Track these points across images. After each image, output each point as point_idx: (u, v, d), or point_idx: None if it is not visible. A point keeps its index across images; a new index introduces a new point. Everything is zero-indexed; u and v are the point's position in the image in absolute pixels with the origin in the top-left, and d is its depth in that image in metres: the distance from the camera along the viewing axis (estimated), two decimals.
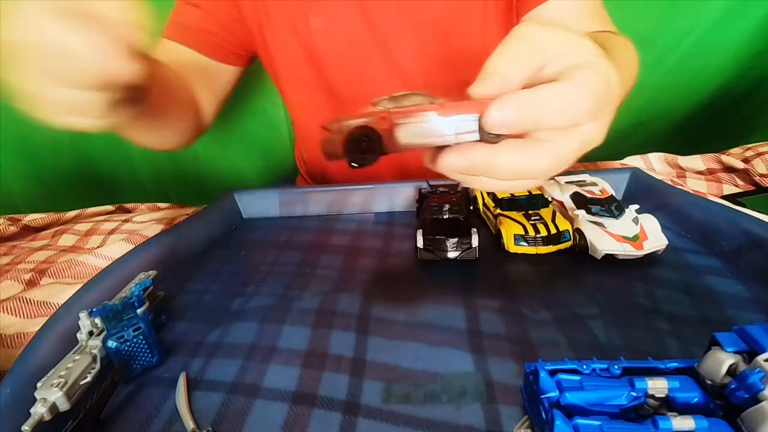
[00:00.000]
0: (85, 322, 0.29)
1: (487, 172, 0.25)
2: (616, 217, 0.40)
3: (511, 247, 0.41)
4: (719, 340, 0.21)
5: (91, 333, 0.29)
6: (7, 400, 0.26)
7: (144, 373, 0.30)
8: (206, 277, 0.43)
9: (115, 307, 0.30)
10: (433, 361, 0.29)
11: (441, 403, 0.26)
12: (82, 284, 0.36)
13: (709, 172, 0.55)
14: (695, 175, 0.55)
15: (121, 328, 0.29)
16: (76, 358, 0.28)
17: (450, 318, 0.33)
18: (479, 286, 0.37)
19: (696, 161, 0.56)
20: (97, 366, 0.28)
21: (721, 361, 0.20)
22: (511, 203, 0.45)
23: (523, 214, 0.43)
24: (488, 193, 0.48)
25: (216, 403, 0.27)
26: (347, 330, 0.33)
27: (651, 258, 0.38)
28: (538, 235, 0.41)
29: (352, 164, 0.25)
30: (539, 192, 0.46)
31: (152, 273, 0.36)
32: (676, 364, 0.23)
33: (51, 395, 0.25)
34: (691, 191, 0.48)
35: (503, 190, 0.28)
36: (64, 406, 0.25)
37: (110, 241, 0.50)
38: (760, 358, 0.19)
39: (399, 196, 0.53)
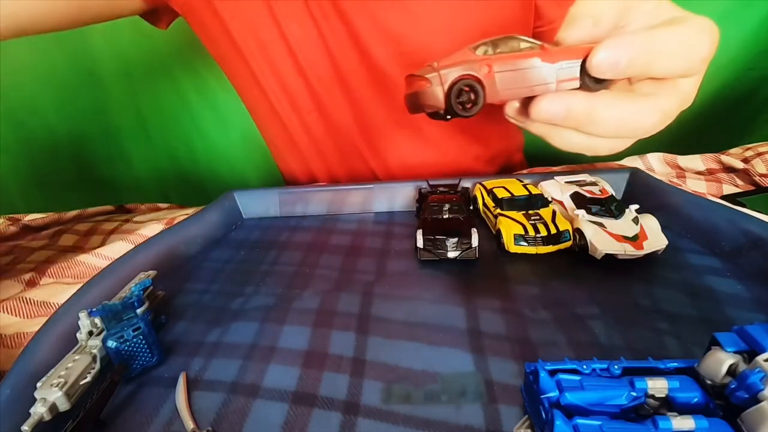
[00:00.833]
0: (84, 322, 0.29)
1: (584, 124, 0.23)
2: (616, 217, 0.40)
3: (511, 246, 0.41)
4: (719, 340, 0.21)
5: (90, 333, 0.29)
6: (6, 400, 0.26)
7: (144, 373, 0.30)
8: (206, 277, 0.43)
9: (114, 307, 0.30)
10: (433, 361, 0.29)
11: (441, 403, 0.26)
12: (82, 284, 0.36)
13: (709, 172, 0.55)
14: (695, 175, 0.54)
15: (121, 328, 0.29)
16: (76, 358, 0.27)
17: (450, 318, 0.33)
18: (479, 286, 0.37)
19: (695, 161, 0.56)
20: (97, 366, 0.28)
21: (721, 361, 0.20)
22: (511, 203, 0.45)
23: (523, 214, 0.43)
24: (488, 193, 0.48)
25: (216, 403, 0.27)
26: (347, 330, 0.33)
27: (651, 258, 0.38)
28: (538, 235, 0.41)
29: (449, 117, 0.23)
30: (539, 192, 0.46)
31: (152, 273, 0.36)
32: (676, 364, 0.23)
33: (51, 395, 0.25)
34: (690, 191, 0.48)
35: (591, 148, 0.25)
36: (63, 406, 0.25)
37: (110, 241, 0.50)
38: (760, 358, 0.19)
39: (399, 196, 0.53)
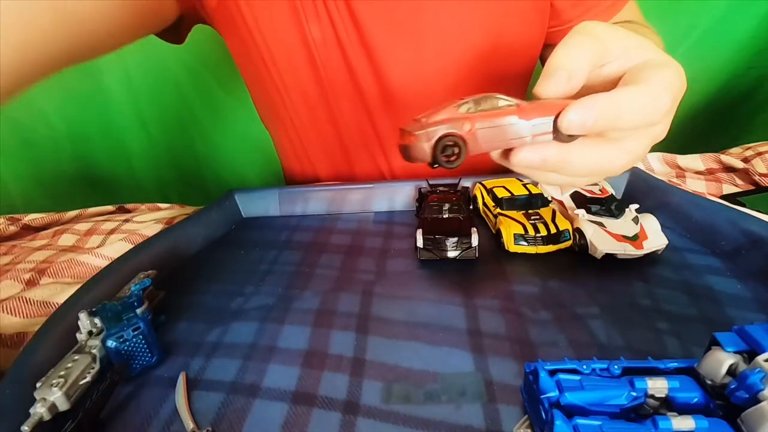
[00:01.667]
0: (84, 322, 0.29)
1: (560, 169, 0.25)
2: (616, 216, 0.40)
3: (511, 246, 0.41)
4: (719, 340, 0.21)
5: (90, 333, 0.29)
6: (6, 400, 0.26)
7: (143, 373, 0.30)
8: (206, 276, 0.43)
9: (114, 307, 0.30)
10: (433, 361, 0.29)
11: (441, 403, 0.26)
12: (82, 284, 0.36)
13: (709, 172, 0.55)
14: (694, 174, 0.54)
15: (121, 327, 0.29)
16: (76, 357, 0.27)
17: (450, 318, 0.33)
18: (479, 285, 0.37)
19: (695, 161, 0.56)
20: (97, 366, 0.28)
21: (721, 361, 0.20)
22: (511, 203, 0.45)
23: (522, 214, 0.43)
24: (488, 193, 0.48)
25: (216, 403, 0.27)
26: (347, 330, 0.33)
27: (651, 258, 0.38)
28: (537, 235, 0.41)
29: (435, 166, 0.26)
30: (539, 191, 0.46)
31: (152, 273, 0.36)
32: (676, 364, 0.23)
33: (50, 395, 0.24)
34: (690, 191, 0.48)
35: (570, 185, 0.29)
36: (63, 406, 0.25)
37: (110, 241, 0.50)
38: (760, 358, 0.19)
39: (399, 196, 0.53)
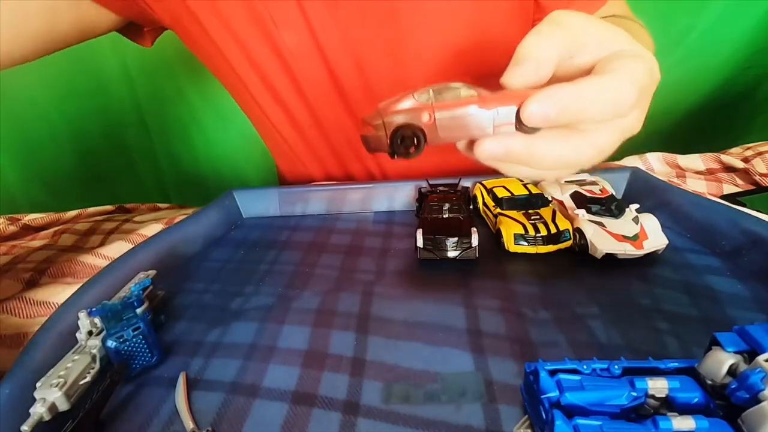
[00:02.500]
0: (84, 322, 0.29)
1: (525, 161, 0.25)
2: (616, 216, 0.40)
3: (511, 246, 0.41)
4: (719, 340, 0.21)
5: (90, 333, 0.29)
6: (6, 400, 0.26)
7: (143, 373, 0.30)
8: (206, 276, 0.43)
9: (114, 307, 0.30)
10: (433, 361, 0.29)
11: (441, 403, 0.26)
12: (81, 284, 0.36)
13: (709, 172, 0.55)
14: (695, 174, 0.54)
15: (121, 327, 0.29)
16: (76, 357, 0.27)
17: (450, 318, 0.33)
18: (479, 285, 0.37)
19: (695, 161, 0.56)
20: (97, 366, 0.28)
21: (722, 361, 0.20)
22: (511, 202, 0.45)
23: (523, 214, 0.43)
24: (488, 192, 0.48)
25: (216, 403, 0.27)
26: (347, 330, 0.33)
27: (651, 258, 0.38)
28: (538, 235, 0.41)
29: (395, 157, 0.25)
30: (539, 191, 0.46)
31: (152, 273, 0.36)
32: (676, 364, 0.23)
33: (50, 395, 0.24)
34: (691, 191, 0.48)
35: (539, 178, 0.28)
36: (63, 406, 0.25)
37: (110, 241, 0.50)
38: (761, 358, 0.19)
39: (399, 195, 0.53)
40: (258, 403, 0.27)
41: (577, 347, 0.30)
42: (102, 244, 0.49)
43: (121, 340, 0.29)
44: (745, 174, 0.53)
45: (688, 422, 0.19)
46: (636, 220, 0.40)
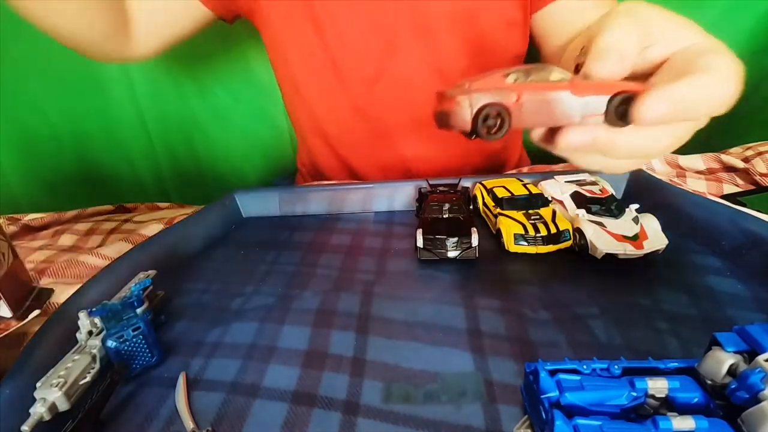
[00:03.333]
0: (84, 322, 0.29)
1: (606, 150, 0.24)
2: (616, 216, 0.40)
3: (511, 246, 0.41)
4: (719, 339, 0.21)
5: (90, 333, 0.29)
6: (6, 400, 0.26)
7: (143, 373, 0.30)
8: (206, 276, 0.43)
9: (114, 307, 0.30)
10: (433, 361, 0.29)
11: (441, 403, 0.26)
12: (81, 284, 0.36)
13: (709, 172, 0.55)
14: (695, 174, 0.54)
15: (121, 327, 0.29)
16: (76, 357, 0.27)
17: (450, 318, 0.33)
18: (479, 285, 0.37)
19: (696, 161, 0.56)
20: (97, 366, 0.28)
21: (722, 361, 0.20)
22: (511, 203, 0.45)
23: (523, 214, 0.43)
24: (488, 192, 0.48)
25: (216, 403, 0.27)
26: (347, 330, 0.33)
27: (651, 258, 0.38)
28: (537, 235, 0.41)
29: (473, 137, 0.24)
30: (539, 191, 0.46)
31: (152, 273, 0.36)
32: (676, 364, 0.23)
33: (50, 395, 0.24)
34: (691, 191, 0.48)
35: (609, 168, 0.27)
36: (63, 405, 0.25)
37: (110, 241, 0.50)
38: (761, 358, 0.19)
39: (399, 195, 0.53)
40: (258, 403, 0.27)
41: (577, 347, 0.30)
42: (102, 244, 0.49)
43: (121, 340, 0.29)
44: (745, 174, 0.53)
45: (688, 422, 0.19)
46: (636, 220, 0.40)
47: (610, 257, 0.37)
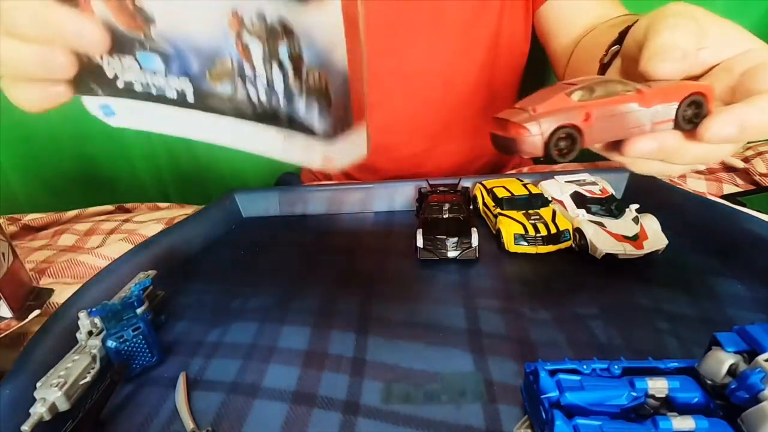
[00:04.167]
0: (84, 322, 0.29)
1: (671, 156, 0.24)
2: (616, 216, 0.40)
3: (511, 246, 0.41)
4: (719, 339, 0.21)
5: (90, 333, 0.29)
6: (6, 400, 0.26)
7: (143, 373, 0.30)
8: (206, 276, 0.43)
9: (114, 307, 0.30)
10: (433, 361, 0.29)
11: (441, 403, 0.26)
12: (82, 284, 0.36)
13: (709, 172, 0.55)
14: (695, 174, 0.54)
15: (121, 327, 0.29)
16: (76, 357, 0.27)
17: (450, 318, 0.33)
18: (479, 285, 0.37)
19: None
20: (97, 366, 0.28)
21: (722, 361, 0.20)
22: (511, 202, 0.45)
23: (522, 214, 0.43)
24: (488, 192, 0.48)
25: (216, 403, 0.27)
26: (347, 330, 0.33)
27: (651, 258, 0.38)
28: (537, 235, 0.41)
29: (542, 159, 0.24)
30: (539, 191, 0.46)
31: (152, 273, 0.36)
32: (676, 364, 0.23)
33: (50, 395, 0.24)
34: (691, 191, 0.48)
35: (667, 172, 0.28)
36: (63, 406, 0.25)
37: (110, 241, 0.50)
38: (761, 358, 0.19)
39: (399, 195, 0.53)
40: (258, 403, 0.27)
41: (577, 347, 0.30)
42: (102, 244, 0.49)
43: (121, 340, 0.29)
44: (745, 174, 0.53)
45: (688, 422, 0.19)
46: (636, 220, 0.40)
47: (610, 257, 0.37)
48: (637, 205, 0.41)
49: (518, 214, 0.43)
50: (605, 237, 0.38)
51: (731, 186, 0.52)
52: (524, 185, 0.47)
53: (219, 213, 0.52)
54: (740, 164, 0.53)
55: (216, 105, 0.22)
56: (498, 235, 0.43)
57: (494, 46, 0.58)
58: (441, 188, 0.49)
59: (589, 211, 0.41)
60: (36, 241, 0.52)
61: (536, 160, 0.71)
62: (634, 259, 0.38)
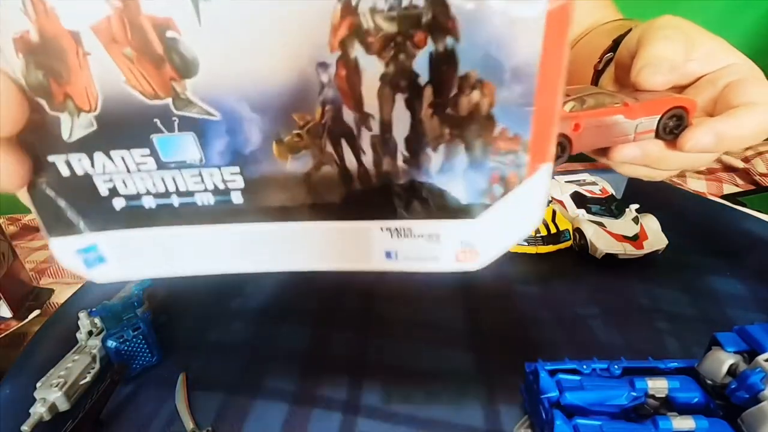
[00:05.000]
0: (84, 322, 0.29)
1: (655, 163, 0.26)
2: (616, 216, 0.40)
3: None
4: (719, 340, 0.21)
5: (90, 333, 0.29)
6: (6, 400, 0.26)
7: (143, 373, 0.30)
8: (206, 276, 0.42)
9: (114, 307, 0.30)
10: (433, 361, 0.29)
11: (441, 403, 0.26)
12: (81, 284, 0.36)
13: (709, 172, 0.55)
14: (695, 174, 0.54)
15: (121, 328, 0.29)
16: (76, 358, 0.27)
17: (450, 318, 0.33)
18: (479, 285, 0.37)
19: None
20: (97, 366, 0.28)
21: (722, 361, 0.20)
22: None
23: None
24: None
25: (216, 403, 0.27)
26: (347, 330, 0.33)
27: (651, 258, 0.38)
28: (537, 235, 0.41)
29: None
30: None
31: None
32: (676, 364, 0.23)
33: (50, 395, 0.24)
34: (691, 191, 0.48)
35: (652, 177, 0.29)
36: (63, 406, 0.25)
37: None
38: (761, 358, 0.19)
39: None
40: (258, 403, 0.27)
41: (577, 347, 0.30)
42: None
43: (122, 340, 0.29)
44: (745, 174, 0.53)
45: (688, 422, 0.19)
46: (636, 220, 0.40)
47: (610, 257, 0.37)
48: (637, 205, 0.41)
49: None
50: (605, 237, 0.38)
51: (731, 186, 0.52)
52: None
53: None
54: (740, 164, 0.53)
55: (275, 200, 0.15)
56: None
57: None
58: None
59: (589, 211, 0.41)
60: (36, 241, 0.51)
61: None
62: (634, 259, 0.38)
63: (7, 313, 0.36)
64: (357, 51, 0.12)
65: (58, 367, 0.27)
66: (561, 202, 0.45)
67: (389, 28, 0.12)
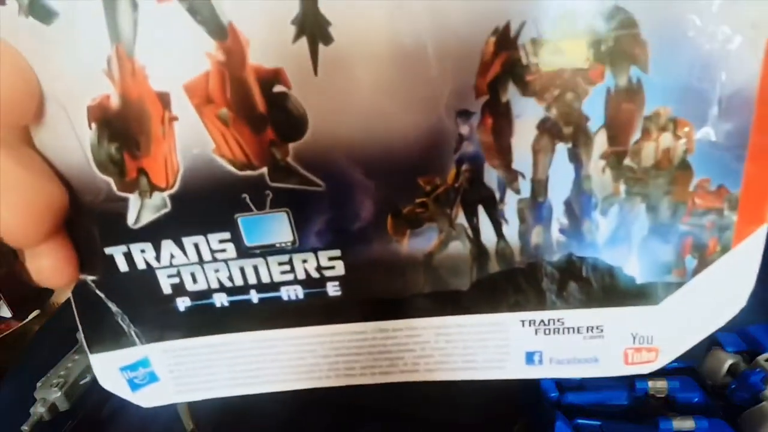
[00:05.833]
0: None
1: None
2: None
3: None
4: (719, 340, 0.21)
5: None
6: (7, 400, 0.26)
7: None
8: None
9: None
10: None
11: (441, 403, 0.26)
12: None
13: None
14: None
15: None
16: (76, 357, 0.27)
17: None
18: None
19: None
20: None
21: (722, 361, 0.20)
22: None
23: None
24: None
25: (216, 403, 0.27)
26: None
27: None
28: None
29: None
30: None
31: None
32: (676, 364, 0.23)
33: (50, 395, 0.24)
34: None
35: None
36: (63, 405, 0.25)
37: None
38: (761, 358, 0.19)
39: None
40: (258, 404, 0.27)
41: None
42: None
43: None
44: None
45: (688, 422, 0.19)
46: None
47: None
48: None
49: None
50: None
51: None
52: None
53: None
54: None
55: (383, 291, 0.12)
56: None
57: None
58: None
59: None
60: None
61: None
62: None
63: (7, 313, 0.36)
64: (510, 93, 0.10)
65: (58, 367, 0.27)
66: None
67: (556, 62, 0.09)
